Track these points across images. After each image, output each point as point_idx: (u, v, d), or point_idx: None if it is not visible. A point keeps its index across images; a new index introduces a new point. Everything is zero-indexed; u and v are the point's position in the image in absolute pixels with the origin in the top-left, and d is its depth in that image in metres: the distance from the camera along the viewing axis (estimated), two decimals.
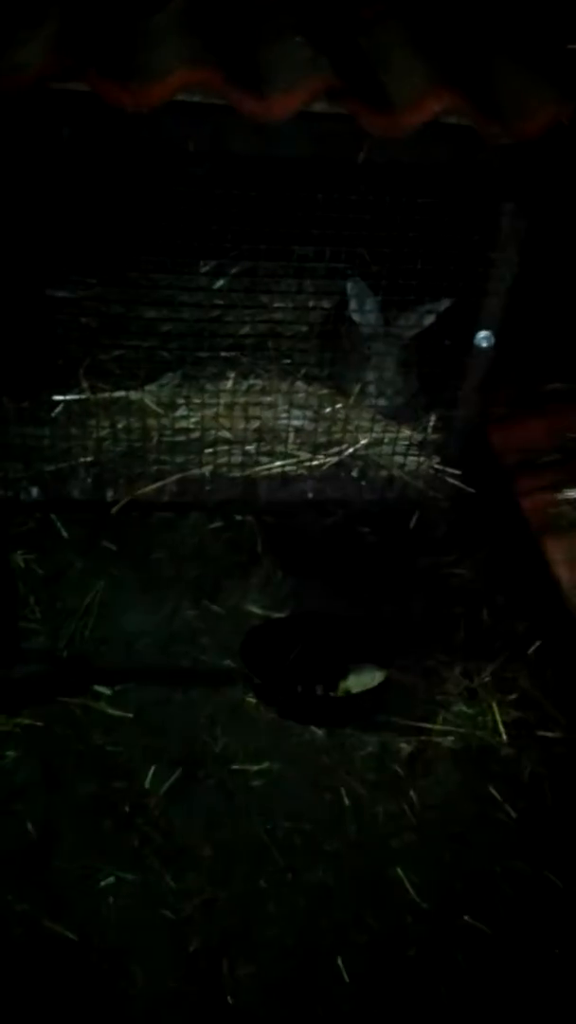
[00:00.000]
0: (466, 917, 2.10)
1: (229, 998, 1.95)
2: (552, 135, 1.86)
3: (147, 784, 2.30)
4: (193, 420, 2.30)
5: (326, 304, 2.57)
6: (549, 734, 2.45)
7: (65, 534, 2.77)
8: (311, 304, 2.55)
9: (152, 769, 2.32)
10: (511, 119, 1.82)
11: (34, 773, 2.28)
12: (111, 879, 2.11)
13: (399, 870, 2.19)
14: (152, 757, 2.35)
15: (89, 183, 1.94)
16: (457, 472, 2.42)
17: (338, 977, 2.00)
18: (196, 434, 2.29)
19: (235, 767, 2.36)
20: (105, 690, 2.49)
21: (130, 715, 2.44)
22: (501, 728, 2.46)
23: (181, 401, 2.33)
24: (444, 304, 2.41)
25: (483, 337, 2.26)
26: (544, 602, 2.23)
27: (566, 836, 2.25)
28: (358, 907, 2.13)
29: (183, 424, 2.29)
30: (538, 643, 2.52)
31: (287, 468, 2.39)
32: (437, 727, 2.50)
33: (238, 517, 2.85)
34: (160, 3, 1.73)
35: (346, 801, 2.32)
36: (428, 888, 2.16)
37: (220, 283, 2.62)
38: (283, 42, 1.74)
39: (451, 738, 2.47)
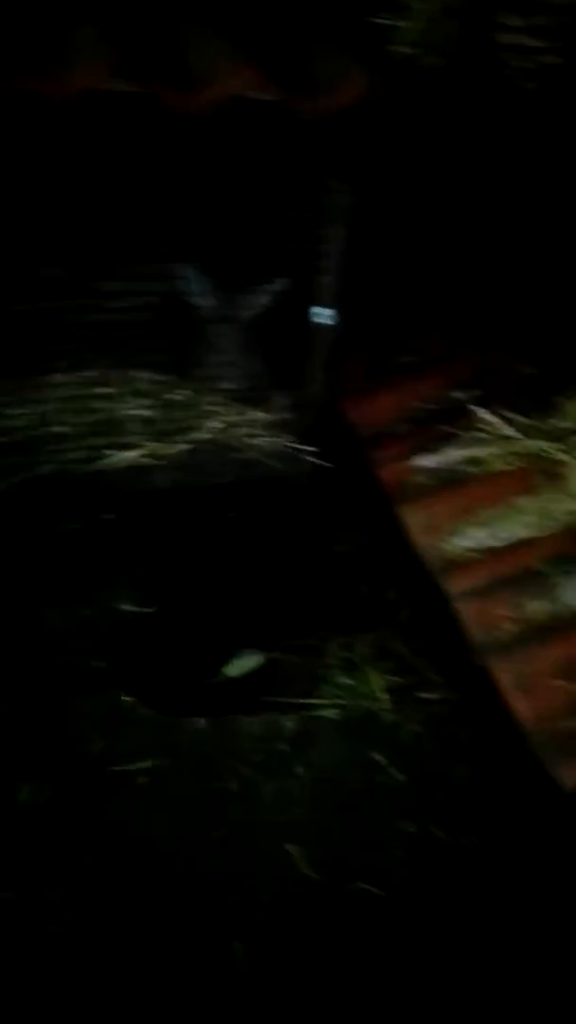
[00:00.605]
0: (359, 883, 2.13)
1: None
2: (364, 109, 1.88)
3: (23, 798, 2.22)
4: (28, 419, 2.22)
5: (161, 289, 2.53)
6: (428, 695, 2.51)
7: None
8: (145, 290, 2.50)
9: (26, 786, 2.24)
10: (319, 94, 1.83)
11: None
12: None
13: (289, 847, 2.20)
14: (25, 771, 2.27)
15: None
16: (313, 449, 2.44)
17: (234, 961, 2.00)
18: (34, 432, 2.21)
19: (115, 768, 2.31)
20: None
21: None
22: (381, 695, 2.51)
23: (10, 399, 2.24)
24: (281, 284, 2.41)
25: (321, 314, 2.28)
26: (407, 568, 2.28)
27: (450, 791, 2.31)
28: (250, 889, 2.12)
29: (17, 423, 2.21)
30: (409, 609, 2.57)
31: (140, 460, 2.34)
32: (320, 701, 2.52)
33: (97, 515, 2.78)
34: None
35: (233, 786, 2.31)
36: (319, 860, 2.18)
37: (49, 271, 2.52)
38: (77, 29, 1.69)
39: (334, 711, 2.50)
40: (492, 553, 1.99)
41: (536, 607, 1.86)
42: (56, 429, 2.30)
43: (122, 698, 2.47)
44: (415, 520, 2.11)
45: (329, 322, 2.27)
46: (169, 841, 2.18)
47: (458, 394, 2.30)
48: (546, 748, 1.66)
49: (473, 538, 2.02)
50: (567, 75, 1.72)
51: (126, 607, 2.68)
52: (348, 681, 2.56)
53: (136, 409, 2.38)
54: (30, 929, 2.00)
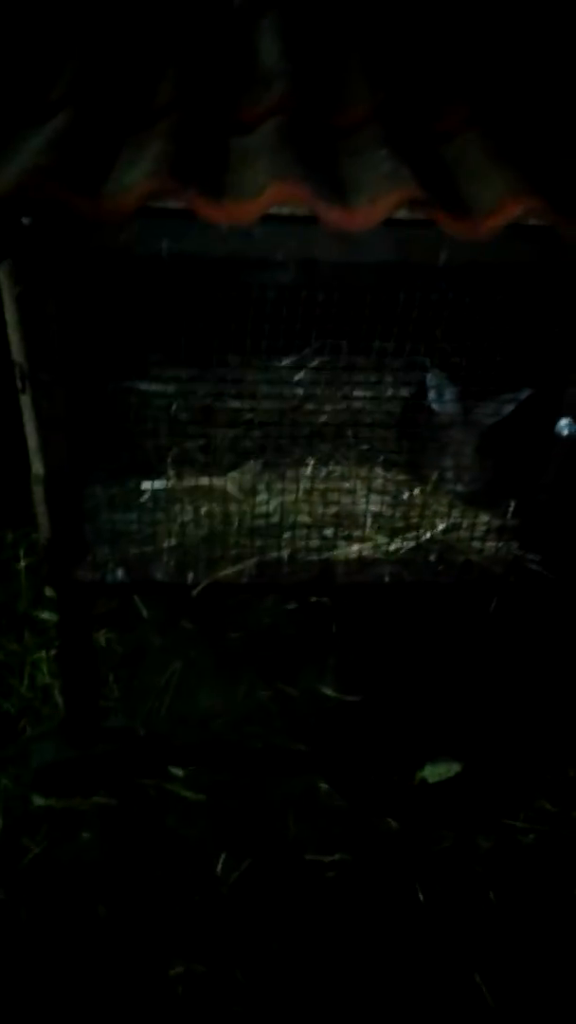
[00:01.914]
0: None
1: None
2: None
3: (218, 871, 2.28)
4: (273, 505, 2.35)
5: (404, 393, 2.62)
6: None
7: (145, 614, 2.83)
8: (389, 393, 2.60)
9: (223, 856, 2.30)
10: None
11: (107, 854, 2.29)
12: (180, 969, 2.08)
13: (477, 976, 2.10)
14: (223, 843, 2.34)
15: (180, 291, 2.06)
16: (537, 557, 2.38)
17: None
18: (275, 519, 2.33)
19: (308, 857, 2.32)
20: (179, 771, 2.50)
21: (203, 797, 2.44)
22: None
23: (261, 487, 2.38)
24: (524, 393, 2.42)
25: (564, 425, 2.26)
26: None
27: None
28: (423, 1013, 2.04)
29: (263, 509, 2.34)
30: None
31: (364, 552, 2.40)
32: (519, 824, 2.41)
33: (314, 599, 2.87)
34: (251, 126, 1.86)
35: (420, 897, 2.25)
36: (507, 992, 2.06)
37: (299, 376, 2.70)
38: (367, 154, 1.83)
39: (532, 836, 2.38)
40: None
41: None
42: (297, 518, 2.41)
43: (319, 784, 2.50)
44: None
45: (570, 432, 2.24)
46: (353, 944, 2.15)
47: None
48: None
49: None
50: None
51: (330, 692, 2.73)
52: (551, 807, 2.43)
53: (371, 505, 2.45)
54: (215, 1006, 2.03)
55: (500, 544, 2.43)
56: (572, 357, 2.19)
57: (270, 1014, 2.02)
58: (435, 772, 2.53)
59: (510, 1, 2.48)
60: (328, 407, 2.60)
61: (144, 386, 2.63)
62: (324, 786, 2.52)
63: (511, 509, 2.47)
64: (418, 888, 2.27)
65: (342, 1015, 2.03)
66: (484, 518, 2.45)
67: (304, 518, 2.36)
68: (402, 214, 1.77)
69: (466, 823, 2.42)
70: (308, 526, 2.34)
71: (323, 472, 2.47)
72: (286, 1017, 2.03)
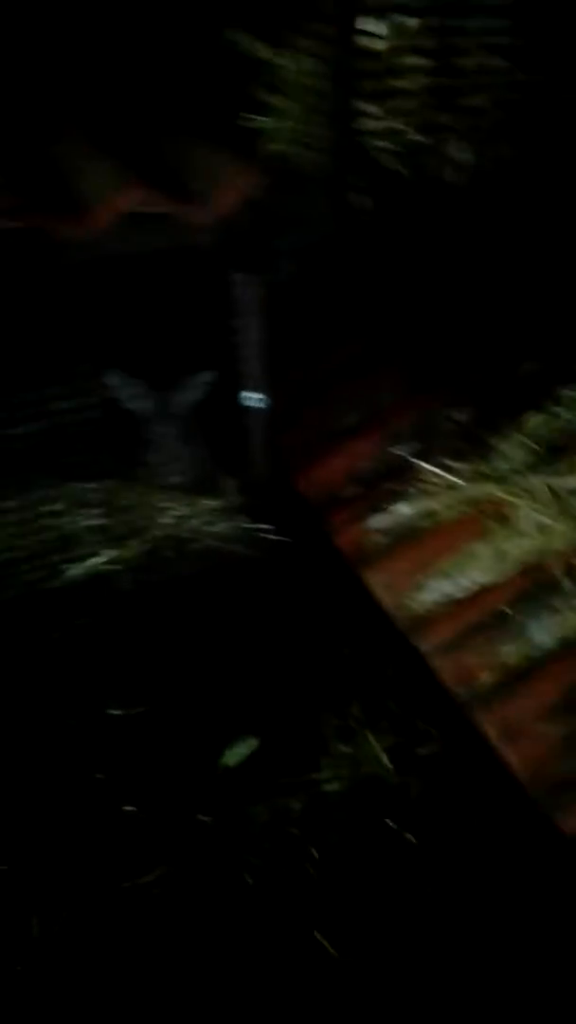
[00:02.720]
0: (389, 959, 2.09)
1: None
2: (252, 206, 1.94)
3: (36, 933, 2.16)
4: None
5: (95, 398, 2.56)
6: (426, 750, 2.49)
7: None
8: (77, 403, 2.53)
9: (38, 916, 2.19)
10: (204, 201, 1.89)
11: None
12: None
13: (317, 934, 2.15)
14: (37, 897, 2.22)
15: None
16: (268, 527, 2.45)
17: None
18: None
19: (125, 884, 2.26)
20: None
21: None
22: (381, 758, 2.48)
23: None
24: (210, 375, 2.46)
25: (250, 398, 2.32)
26: (382, 628, 2.28)
27: (463, 847, 2.28)
28: (284, 983, 2.07)
29: None
30: (392, 666, 2.56)
31: (99, 567, 2.35)
32: (323, 776, 2.49)
33: (68, 628, 2.77)
34: None
35: (249, 881, 2.27)
36: (347, 942, 2.13)
37: None
38: None
39: (338, 783, 2.47)
40: (457, 603, 2.00)
41: (509, 651, 1.87)
42: (12, 555, 2.30)
43: (124, 808, 2.44)
44: (378, 581, 2.12)
45: (259, 404, 2.31)
46: (192, 950, 2.13)
47: (399, 449, 2.33)
48: (542, 796, 1.64)
49: (437, 591, 2.03)
50: (430, 150, 1.79)
51: (114, 711, 2.66)
52: (347, 749, 2.53)
53: (88, 520, 2.40)
54: None
55: (231, 523, 2.48)
56: (237, 333, 2.25)
57: None
58: (235, 755, 2.55)
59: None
60: (20, 429, 2.49)
61: None
62: (129, 808, 2.46)
63: (231, 487, 2.52)
64: (244, 874, 2.29)
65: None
66: (208, 503, 2.48)
67: (20, 552, 2.27)
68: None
69: (274, 792, 2.47)
70: (27, 558, 2.25)
71: (30, 499, 2.38)
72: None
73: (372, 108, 1.77)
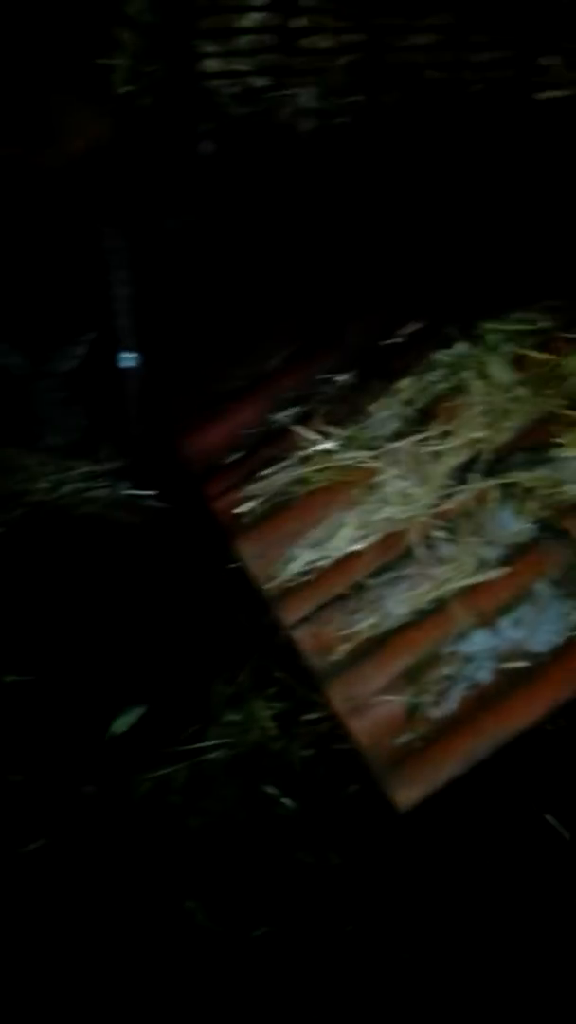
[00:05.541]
0: (261, 927, 2.09)
1: None
2: (106, 152, 1.85)
3: None
4: None
5: None
6: (311, 716, 2.47)
7: None
8: None
9: None
10: (55, 142, 1.80)
11: None
12: None
13: (188, 903, 2.15)
14: None
15: None
16: (150, 493, 2.39)
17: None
18: None
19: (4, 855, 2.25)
20: None
21: None
22: (267, 725, 2.47)
23: None
24: (89, 334, 2.37)
25: (125, 358, 2.25)
26: (254, 599, 2.25)
27: (340, 812, 2.28)
28: (152, 956, 2.07)
29: None
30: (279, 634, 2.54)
31: None
32: (208, 744, 2.47)
33: None
34: None
35: (126, 852, 2.26)
36: (221, 911, 2.14)
37: None
38: None
39: (223, 751, 2.46)
40: (322, 574, 1.96)
41: (365, 622, 1.84)
42: None
43: (9, 778, 2.41)
44: (249, 550, 2.08)
45: (135, 364, 2.24)
46: (68, 924, 2.12)
47: (281, 415, 2.27)
48: (381, 768, 1.62)
49: (303, 561, 1.99)
50: (273, 95, 1.70)
51: (3, 678, 2.62)
52: (234, 716, 2.51)
53: None
54: None
55: (110, 489, 2.41)
56: (111, 290, 2.17)
57: None
58: (122, 723, 2.52)
59: None
60: None
61: None
62: (16, 778, 2.43)
63: (110, 452, 2.45)
64: (122, 842, 2.28)
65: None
66: (87, 468, 2.41)
67: None
68: None
69: (158, 761, 2.45)
70: None
71: None
72: None
73: (213, 47, 1.67)
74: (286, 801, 2.31)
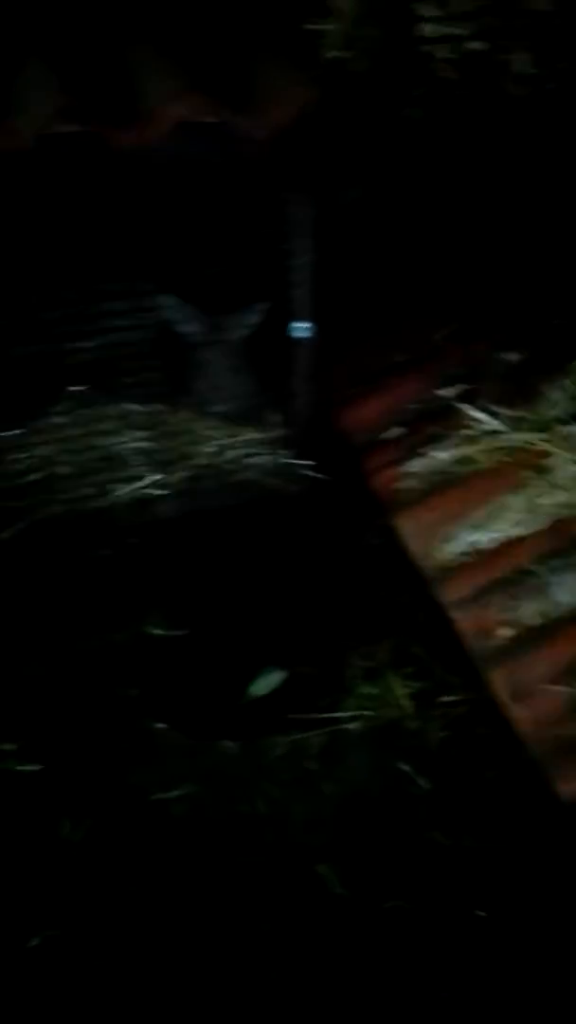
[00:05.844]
0: (392, 900, 2.11)
1: None
2: (310, 119, 1.85)
3: (64, 833, 2.28)
4: (30, 462, 2.29)
5: (148, 320, 2.55)
6: (449, 698, 2.45)
7: None
8: (131, 323, 2.52)
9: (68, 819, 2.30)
10: (263, 110, 1.82)
11: None
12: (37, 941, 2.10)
13: (321, 868, 2.19)
14: (68, 802, 2.33)
15: None
16: (309, 463, 2.42)
17: (271, 987, 2.00)
18: (37, 475, 2.28)
19: (153, 798, 2.35)
20: (11, 746, 2.47)
21: (37, 767, 2.42)
22: (404, 702, 2.47)
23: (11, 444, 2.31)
24: (263, 303, 2.41)
25: (299, 328, 2.27)
26: (409, 574, 2.24)
27: (477, 797, 2.26)
28: (284, 913, 2.13)
29: (20, 467, 2.28)
30: (423, 612, 2.52)
31: (143, 492, 2.38)
32: (344, 714, 2.50)
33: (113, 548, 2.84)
34: None
35: (263, 809, 2.32)
36: (352, 879, 2.17)
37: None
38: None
39: (359, 722, 2.48)
40: (483, 556, 1.93)
41: (529, 609, 1.80)
42: (59, 470, 2.35)
43: (155, 726, 2.52)
44: (408, 527, 2.07)
45: (308, 335, 2.25)
46: (206, 870, 2.21)
47: (445, 391, 2.24)
48: (545, 756, 1.59)
49: (464, 542, 1.96)
50: (490, 60, 1.64)
51: (157, 631, 2.73)
52: (371, 690, 2.53)
53: (135, 442, 2.42)
54: (75, 967, 2.06)
55: (271, 456, 2.46)
56: (288, 258, 2.19)
57: (133, 973, 2.06)
58: (263, 685, 2.59)
59: None
60: (78, 344, 2.51)
61: None
62: (161, 726, 2.54)
63: (274, 420, 2.49)
64: (259, 799, 2.34)
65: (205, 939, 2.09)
66: (251, 434, 2.46)
67: (68, 468, 2.32)
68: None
69: (295, 725, 2.50)
70: (73, 475, 2.30)
71: (77, 416, 2.41)
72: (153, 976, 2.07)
73: (430, 11, 1.63)
74: (421, 780, 2.31)
